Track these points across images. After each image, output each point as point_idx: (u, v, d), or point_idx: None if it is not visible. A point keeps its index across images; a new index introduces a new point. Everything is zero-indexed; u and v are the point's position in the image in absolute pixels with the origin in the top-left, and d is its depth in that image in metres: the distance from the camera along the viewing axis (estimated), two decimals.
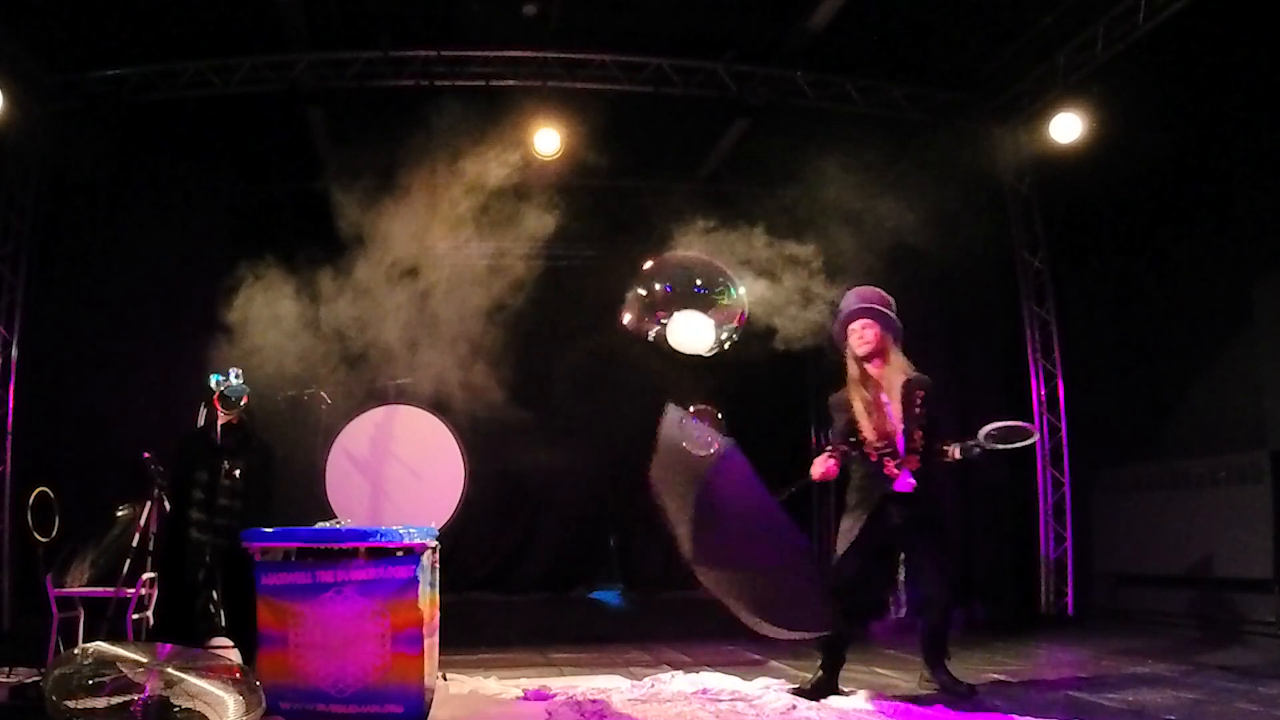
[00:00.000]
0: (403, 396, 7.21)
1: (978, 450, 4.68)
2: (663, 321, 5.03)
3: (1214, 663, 5.59)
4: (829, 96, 8.06)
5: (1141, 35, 6.78)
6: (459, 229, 7.36)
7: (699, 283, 4.97)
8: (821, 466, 4.71)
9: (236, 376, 5.90)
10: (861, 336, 4.84)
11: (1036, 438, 4.90)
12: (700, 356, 4.96)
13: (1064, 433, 8.41)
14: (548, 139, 7.53)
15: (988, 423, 4.70)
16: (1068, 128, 7.52)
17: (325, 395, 6.73)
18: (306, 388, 6.61)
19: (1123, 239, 8.11)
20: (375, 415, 7.10)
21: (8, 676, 4.84)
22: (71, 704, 3.64)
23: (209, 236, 8.79)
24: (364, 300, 6.65)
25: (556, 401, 10.03)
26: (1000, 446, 4.65)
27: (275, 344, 6.48)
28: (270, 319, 6.54)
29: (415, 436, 7.08)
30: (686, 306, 5.05)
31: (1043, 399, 8.55)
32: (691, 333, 5.18)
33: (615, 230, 9.41)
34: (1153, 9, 6.64)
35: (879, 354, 4.85)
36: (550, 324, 9.46)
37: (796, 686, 4.81)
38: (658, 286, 4.92)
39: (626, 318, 5.03)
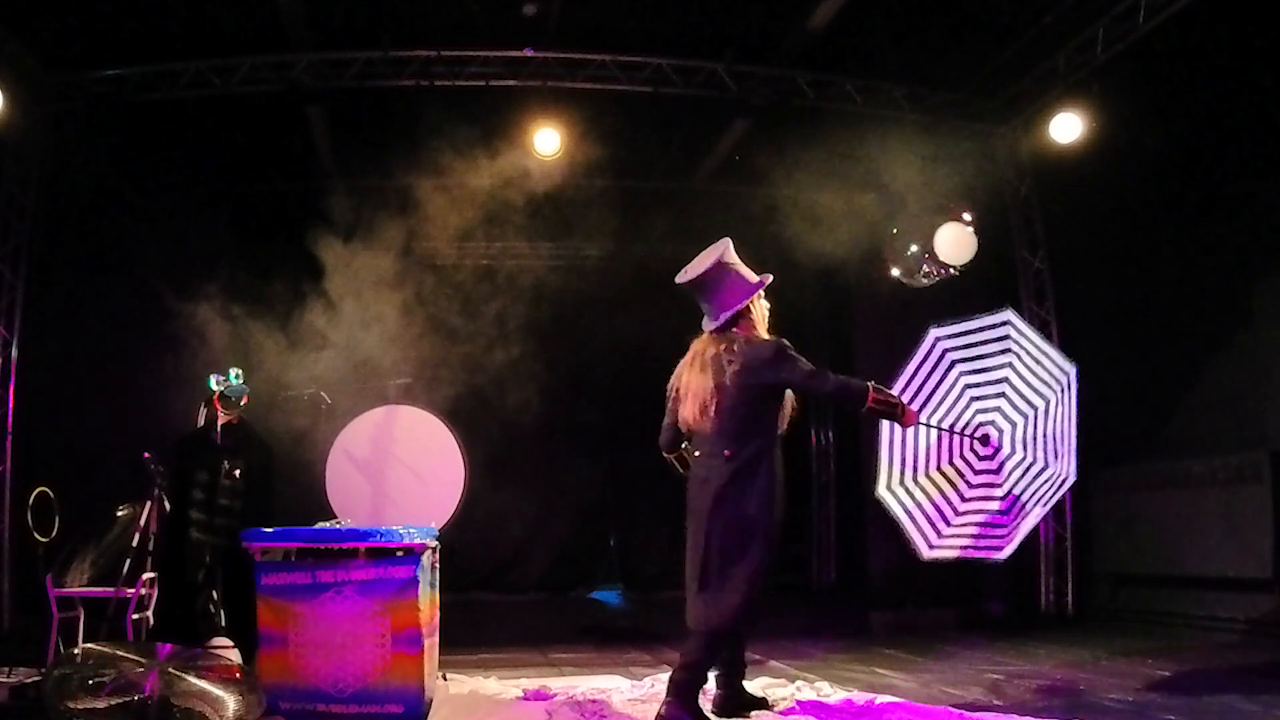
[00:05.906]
0: (403, 396, 7.21)
1: None
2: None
3: (1214, 663, 5.59)
4: (829, 96, 8.06)
5: (1141, 35, 6.77)
6: (459, 229, 7.37)
7: None
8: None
9: (236, 376, 5.91)
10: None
11: None
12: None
13: None
14: (548, 139, 7.53)
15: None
16: (1068, 128, 7.51)
17: (325, 395, 6.73)
18: (306, 388, 6.61)
19: (1123, 239, 8.11)
20: (375, 415, 7.09)
21: (8, 676, 4.84)
22: (71, 704, 3.64)
23: (209, 236, 8.80)
24: (364, 300, 6.65)
25: (557, 401, 10.03)
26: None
27: (275, 343, 6.49)
28: (270, 318, 6.56)
29: (415, 436, 7.06)
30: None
31: None
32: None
33: (616, 231, 9.41)
34: (1153, 9, 6.63)
35: None
36: (550, 324, 9.46)
37: None
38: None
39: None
